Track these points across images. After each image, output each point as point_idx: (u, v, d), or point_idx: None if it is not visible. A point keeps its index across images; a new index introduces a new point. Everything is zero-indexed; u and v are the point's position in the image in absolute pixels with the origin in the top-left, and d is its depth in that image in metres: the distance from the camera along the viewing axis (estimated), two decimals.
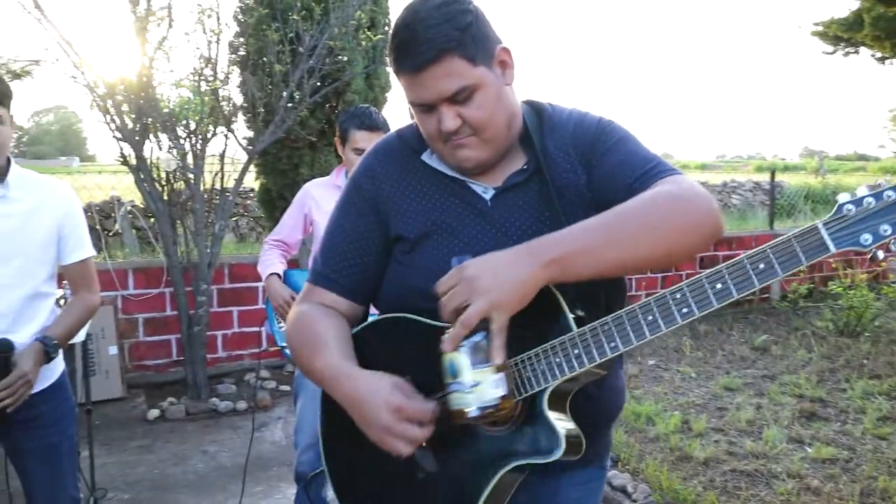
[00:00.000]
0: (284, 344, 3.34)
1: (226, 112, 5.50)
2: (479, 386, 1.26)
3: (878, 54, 13.61)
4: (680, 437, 4.63)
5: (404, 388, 1.38)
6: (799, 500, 3.79)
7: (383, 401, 1.34)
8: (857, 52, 14.19)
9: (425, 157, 1.52)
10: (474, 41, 1.36)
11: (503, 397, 1.27)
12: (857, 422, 4.93)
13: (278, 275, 3.37)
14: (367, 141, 3.22)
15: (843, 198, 1.20)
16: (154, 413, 5.24)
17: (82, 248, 2.47)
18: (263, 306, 5.38)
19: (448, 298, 1.28)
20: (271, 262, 3.42)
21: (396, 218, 1.51)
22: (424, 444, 1.38)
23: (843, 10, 14.11)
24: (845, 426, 4.86)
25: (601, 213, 1.31)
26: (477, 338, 1.27)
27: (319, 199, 3.38)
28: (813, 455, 4.38)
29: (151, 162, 5.43)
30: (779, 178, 15.95)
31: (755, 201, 17.39)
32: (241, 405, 5.43)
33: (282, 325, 3.37)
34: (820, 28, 14.18)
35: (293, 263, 3.98)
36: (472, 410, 1.27)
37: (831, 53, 14.57)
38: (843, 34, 13.70)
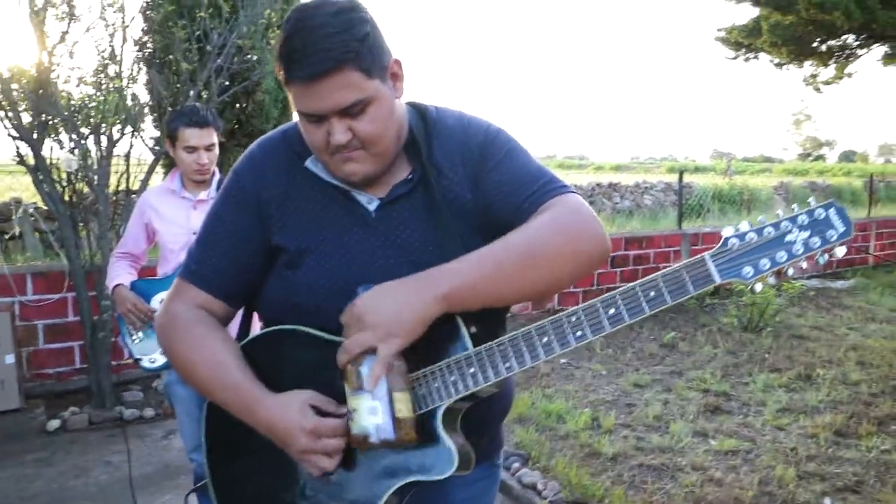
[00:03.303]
0: (139, 357, 3.26)
1: (131, 111, 5.33)
2: (355, 413, 1.28)
3: (776, 60, 14.18)
4: (590, 433, 4.72)
5: (315, 401, 1.38)
6: (702, 492, 3.90)
7: (297, 425, 1.34)
8: (756, 57, 14.75)
9: (309, 163, 1.46)
10: (371, 53, 1.30)
11: (384, 426, 1.27)
12: (758, 414, 5.12)
13: (124, 285, 3.27)
14: (197, 138, 3.17)
15: (727, 231, 1.27)
16: (54, 424, 5.03)
17: None
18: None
19: (345, 332, 1.30)
20: (117, 273, 3.31)
21: (278, 226, 1.46)
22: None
23: (744, 18, 14.66)
24: (747, 418, 5.04)
25: (490, 245, 1.31)
26: (364, 366, 1.27)
27: (158, 205, 3.31)
28: (716, 447, 4.52)
29: (51, 162, 5.23)
30: (689, 178, 16.47)
31: (667, 201, 17.90)
32: (149, 412, 5.28)
33: (135, 336, 3.28)
34: (722, 34, 14.69)
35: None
36: (372, 437, 1.27)
37: (733, 59, 15.13)
38: (743, 40, 14.24)
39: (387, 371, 1.27)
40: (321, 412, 1.37)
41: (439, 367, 1.34)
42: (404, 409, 1.29)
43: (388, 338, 1.25)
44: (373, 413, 1.26)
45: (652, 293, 1.26)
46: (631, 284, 1.28)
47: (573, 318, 1.29)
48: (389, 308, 1.26)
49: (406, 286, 1.28)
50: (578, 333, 1.29)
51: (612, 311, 1.28)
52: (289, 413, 1.35)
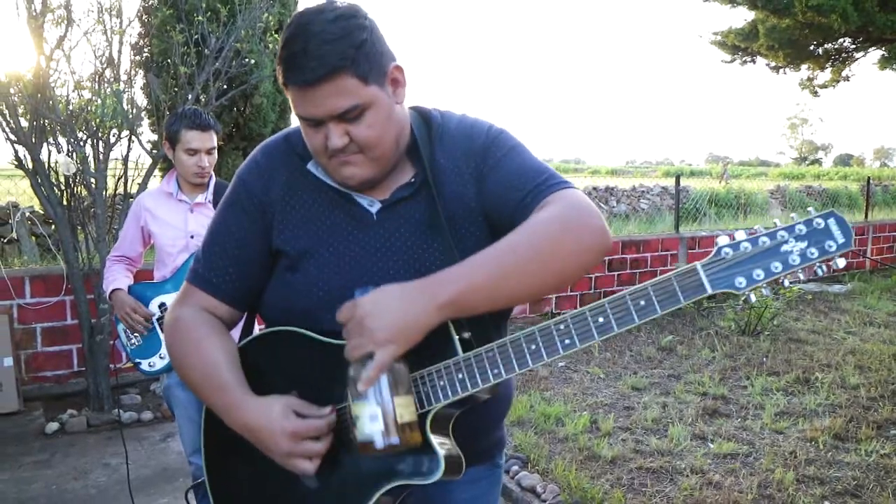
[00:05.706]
0: (138, 360, 3.26)
1: (129, 114, 5.34)
2: (357, 420, 1.26)
3: (773, 63, 14.20)
4: (588, 436, 4.72)
5: (296, 406, 1.39)
6: (701, 495, 3.90)
7: (279, 428, 1.35)
8: (753, 61, 14.77)
9: (311, 166, 1.47)
10: (368, 59, 1.31)
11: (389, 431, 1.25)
12: (756, 417, 5.12)
13: (122, 289, 3.28)
14: (199, 140, 3.17)
15: (722, 240, 1.24)
16: (53, 426, 5.03)
17: None
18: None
19: (344, 332, 1.29)
20: (114, 277, 3.32)
21: (279, 230, 1.47)
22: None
23: (740, 21, 14.69)
24: (745, 422, 5.04)
25: (493, 246, 1.30)
26: (363, 372, 1.25)
27: (153, 208, 3.31)
28: (715, 450, 4.52)
29: (49, 166, 5.23)
30: (685, 182, 16.49)
31: (663, 205, 17.93)
32: (146, 415, 5.28)
33: (133, 340, 3.28)
34: (719, 38, 14.71)
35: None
36: (377, 443, 1.25)
37: (730, 62, 15.16)
38: (740, 44, 14.26)
39: (386, 375, 1.26)
40: (302, 416, 1.37)
41: (428, 372, 1.34)
42: (406, 413, 1.27)
43: (386, 344, 1.24)
44: (373, 420, 1.25)
45: (642, 302, 1.24)
46: (621, 293, 1.26)
47: (561, 326, 1.28)
48: (390, 314, 1.24)
49: (409, 292, 1.27)
50: (566, 341, 1.28)
51: (600, 319, 1.26)
52: (270, 415, 1.36)
